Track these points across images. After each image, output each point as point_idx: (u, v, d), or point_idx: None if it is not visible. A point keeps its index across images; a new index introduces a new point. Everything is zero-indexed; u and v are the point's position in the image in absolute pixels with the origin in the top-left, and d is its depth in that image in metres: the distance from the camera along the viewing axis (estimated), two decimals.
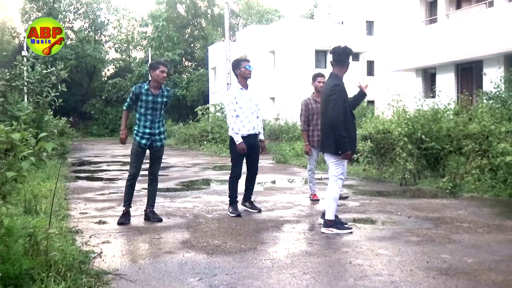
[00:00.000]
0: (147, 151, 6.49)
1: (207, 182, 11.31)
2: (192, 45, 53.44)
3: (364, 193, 8.88)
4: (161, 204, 7.75)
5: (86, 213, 7.14)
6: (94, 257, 4.66)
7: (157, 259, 4.68)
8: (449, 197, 8.15)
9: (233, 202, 6.87)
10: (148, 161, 6.58)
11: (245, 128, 6.74)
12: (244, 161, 6.98)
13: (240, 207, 7.06)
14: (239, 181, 7.00)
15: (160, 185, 10.07)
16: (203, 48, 47.63)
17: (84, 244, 5.12)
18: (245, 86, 6.88)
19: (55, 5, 47.09)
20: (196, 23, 54.00)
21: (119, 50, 55.78)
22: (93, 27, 51.82)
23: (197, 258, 4.69)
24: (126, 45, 55.20)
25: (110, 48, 54.81)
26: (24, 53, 23.05)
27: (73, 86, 45.03)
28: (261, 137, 7.05)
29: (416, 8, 22.25)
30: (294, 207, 7.45)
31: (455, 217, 6.47)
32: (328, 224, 5.67)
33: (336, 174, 5.69)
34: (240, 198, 7.13)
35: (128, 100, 6.40)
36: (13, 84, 13.87)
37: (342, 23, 33.31)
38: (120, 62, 54.76)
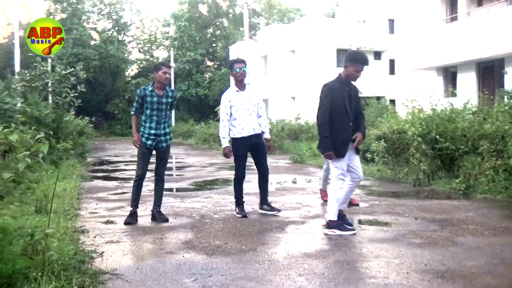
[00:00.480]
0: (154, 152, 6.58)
1: (220, 182, 11.33)
2: (214, 44, 53.65)
3: (376, 193, 8.80)
4: (171, 204, 7.82)
5: (95, 212, 7.24)
6: (95, 256, 4.73)
7: (156, 259, 4.72)
8: (461, 198, 8.03)
9: (239, 203, 6.90)
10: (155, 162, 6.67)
11: (244, 130, 6.72)
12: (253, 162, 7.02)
13: (251, 211, 7.05)
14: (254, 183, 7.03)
15: (173, 185, 10.22)
16: (225, 47, 47.76)
17: (85, 243, 5.19)
18: (241, 87, 6.85)
19: (79, 6, 47.75)
20: (218, 23, 54.18)
21: (142, 50, 56.28)
22: (116, 28, 52.38)
23: (196, 258, 4.73)
24: (149, 45, 55.65)
25: (133, 48, 55.32)
26: None
27: (96, 86, 45.71)
28: (266, 136, 6.99)
29: (437, 6, 21.95)
30: (302, 208, 7.43)
31: (462, 219, 6.37)
32: (330, 225, 5.65)
33: (336, 174, 5.65)
34: (246, 198, 7.16)
35: (135, 104, 6.49)
36: (33, 85, 14.18)
37: (364, 21, 33.04)
38: (143, 62, 55.20)
